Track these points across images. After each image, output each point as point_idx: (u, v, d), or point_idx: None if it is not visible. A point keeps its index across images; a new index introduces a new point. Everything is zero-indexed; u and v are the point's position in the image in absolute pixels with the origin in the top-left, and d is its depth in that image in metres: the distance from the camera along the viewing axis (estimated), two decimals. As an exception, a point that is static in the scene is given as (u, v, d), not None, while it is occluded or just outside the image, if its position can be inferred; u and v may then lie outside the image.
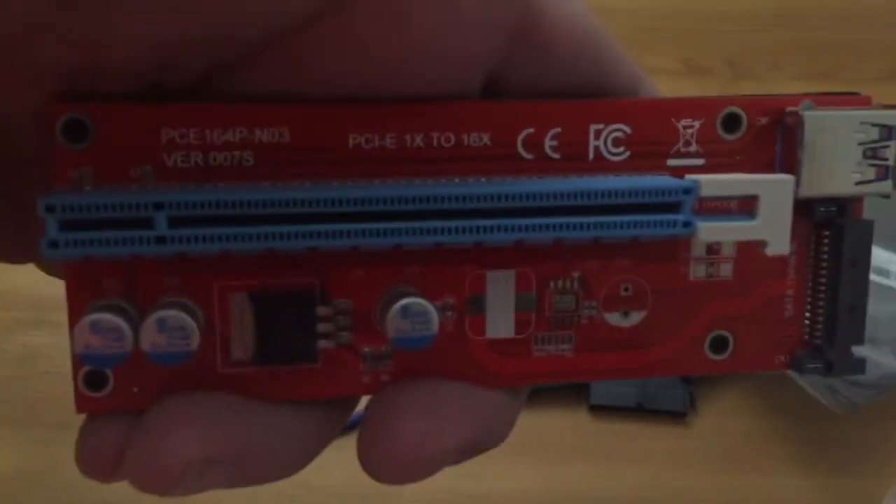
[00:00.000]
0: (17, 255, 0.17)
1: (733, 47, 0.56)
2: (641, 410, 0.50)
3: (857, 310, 0.18)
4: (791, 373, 0.47)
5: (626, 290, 0.18)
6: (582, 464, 0.49)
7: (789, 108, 0.17)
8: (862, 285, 0.18)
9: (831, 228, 0.18)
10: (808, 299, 0.18)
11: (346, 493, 0.49)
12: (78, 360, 0.16)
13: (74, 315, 0.16)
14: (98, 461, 0.16)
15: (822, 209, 0.18)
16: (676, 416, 0.50)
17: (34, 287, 0.51)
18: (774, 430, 0.50)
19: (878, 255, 0.46)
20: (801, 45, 0.56)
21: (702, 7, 0.57)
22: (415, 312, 0.16)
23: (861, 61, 0.57)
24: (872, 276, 0.49)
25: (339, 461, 0.51)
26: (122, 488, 0.51)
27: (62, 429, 0.49)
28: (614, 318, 0.18)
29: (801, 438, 0.49)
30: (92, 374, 0.16)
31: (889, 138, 0.17)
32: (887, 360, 0.46)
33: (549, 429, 0.50)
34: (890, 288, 0.46)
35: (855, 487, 0.48)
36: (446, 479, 0.49)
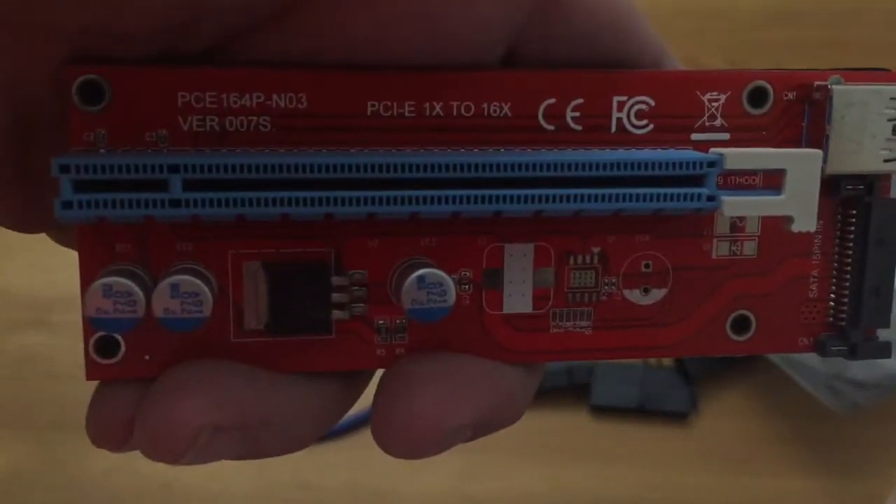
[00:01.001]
0: (31, 225, 0.17)
1: (734, 46, 0.56)
2: (642, 411, 0.50)
3: (883, 291, 0.18)
4: (792, 373, 0.47)
5: (646, 266, 0.17)
6: (583, 465, 0.49)
7: (818, 83, 0.17)
8: (889, 266, 0.18)
9: (858, 207, 0.17)
10: (834, 280, 0.18)
11: (348, 493, 0.49)
12: (89, 325, 0.16)
13: (86, 280, 0.15)
14: (108, 429, 0.15)
15: (850, 187, 0.17)
16: (678, 416, 0.50)
17: (34, 287, 0.51)
18: (776, 430, 0.49)
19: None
20: (801, 43, 0.55)
21: (702, 6, 0.57)
22: (431, 283, 0.15)
23: (861, 61, 0.56)
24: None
25: (341, 462, 0.50)
26: (122, 488, 0.51)
27: (61, 429, 0.49)
28: (634, 296, 0.17)
29: (803, 439, 0.49)
30: (103, 340, 0.16)
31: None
32: (889, 360, 0.46)
33: (549, 430, 0.50)
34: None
35: (857, 488, 0.47)
36: (446, 479, 0.49)
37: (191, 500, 0.49)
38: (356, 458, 0.49)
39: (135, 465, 0.49)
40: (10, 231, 0.18)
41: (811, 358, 0.47)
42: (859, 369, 0.46)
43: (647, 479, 0.48)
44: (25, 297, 0.53)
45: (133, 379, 0.16)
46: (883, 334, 0.18)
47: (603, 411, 0.50)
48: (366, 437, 0.51)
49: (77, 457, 0.49)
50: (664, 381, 0.50)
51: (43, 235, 0.19)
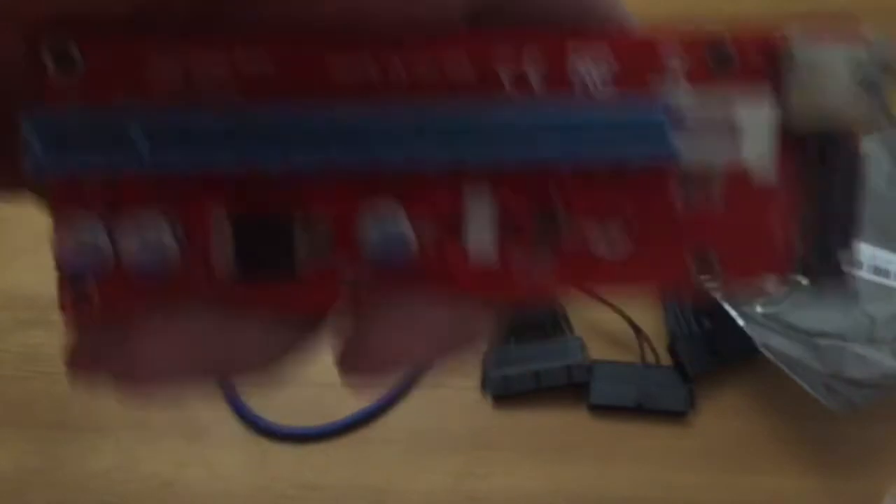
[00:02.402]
0: (6, 190, 0.18)
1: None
2: (641, 410, 0.50)
3: (849, 232, 0.18)
4: (789, 372, 0.47)
5: (609, 216, 0.18)
6: (582, 463, 0.49)
7: (781, 35, 0.17)
8: (853, 209, 0.18)
9: (821, 154, 0.18)
10: (799, 222, 0.18)
11: (348, 492, 0.49)
12: (59, 276, 0.16)
13: (56, 231, 0.16)
14: (79, 367, 0.16)
15: (814, 141, 0.18)
16: (676, 415, 0.50)
17: (34, 287, 0.52)
18: (774, 429, 0.49)
19: (878, 255, 0.45)
20: (800, 46, 0.56)
21: (700, 8, 0.57)
22: (391, 231, 0.16)
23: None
24: (872, 276, 0.49)
25: (341, 461, 0.50)
26: (123, 487, 0.51)
27: (62, 429, 0.49)
28: (598, 245, 0.18)
29: (800, 438, 0.49)
30: (74, 286, 0.16)
31: (884, 71, 0.17)
32: (887, 360, 0.46)
33: (548, 428, 0.50)
34: (890, 288, 0.46)
35: (854, 487, 0.47)
36: (446, 478, 0.49)
37: (191, 499, 0.49)
38: (356, 457, 0.50)
39: (136, 464, 0.50)
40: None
41: (809, 357, 0.47)
42: (857, 369, 0.46)
43: (645, 478, 0.48)
44: (28, 297, 0.54)
45: (104, 324, 0.16)
46: (851, 282, 0.18)
47: (601, 410, 0.50)
48: (366, 436, 0.51)
49: (78, 456, 0.49)
50: (662, 380, 0.50)
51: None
